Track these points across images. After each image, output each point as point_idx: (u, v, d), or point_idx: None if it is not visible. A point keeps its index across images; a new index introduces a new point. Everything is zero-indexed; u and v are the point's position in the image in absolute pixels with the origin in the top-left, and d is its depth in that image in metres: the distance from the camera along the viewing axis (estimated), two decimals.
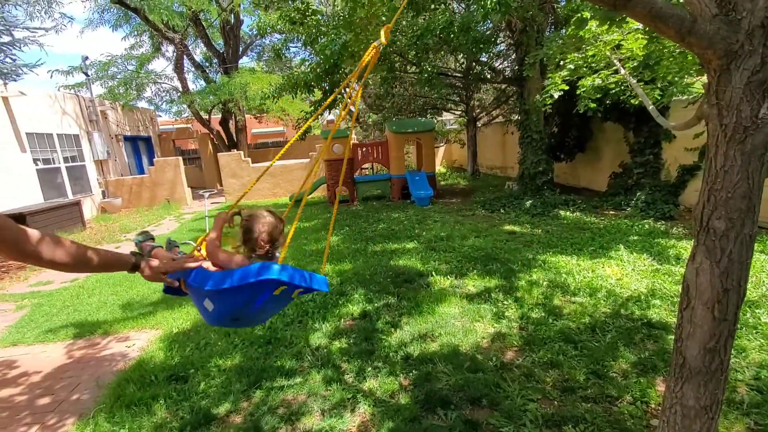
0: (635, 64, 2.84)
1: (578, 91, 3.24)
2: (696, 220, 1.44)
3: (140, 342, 3.63)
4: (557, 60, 3.65)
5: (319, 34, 7.85)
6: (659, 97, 2.99)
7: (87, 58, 12.86)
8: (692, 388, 1.51)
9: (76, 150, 11.24)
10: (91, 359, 3.43)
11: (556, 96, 3.49)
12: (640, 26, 2.79)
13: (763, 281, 3.73)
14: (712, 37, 1.26)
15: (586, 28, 2.39)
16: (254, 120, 19.10)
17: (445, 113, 15.78)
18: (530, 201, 7.72)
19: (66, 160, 10.73)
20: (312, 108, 9.54)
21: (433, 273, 4.57)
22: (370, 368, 2.83)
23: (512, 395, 2.40)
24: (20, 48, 5.99)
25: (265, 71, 16.79)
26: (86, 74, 12.70)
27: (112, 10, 13.71)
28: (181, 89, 14.84)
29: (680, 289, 1.53)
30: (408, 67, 9.45)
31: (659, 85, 3.05)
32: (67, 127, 11.05)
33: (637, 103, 3.24)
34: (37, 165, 9.66)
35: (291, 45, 13.04)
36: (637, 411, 2.22)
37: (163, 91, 15.58)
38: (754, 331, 2.91)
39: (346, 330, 3.45)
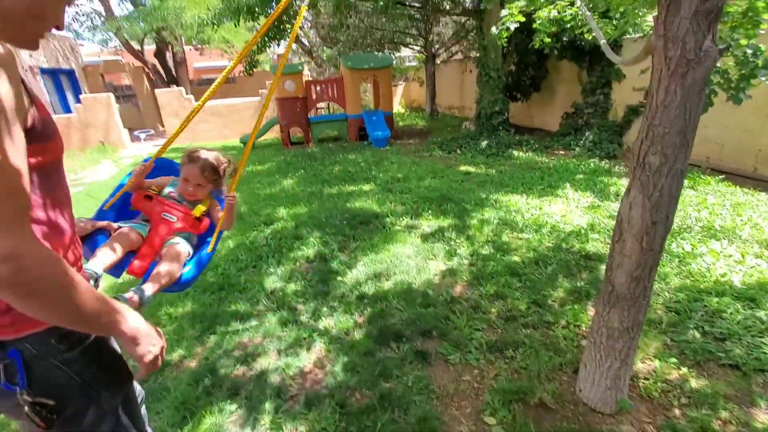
0: None
1: (534, 25, 3.14)
2: (634, 156, 1.47)
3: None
4: None
5: None
6: (612, 32, 2.96)
7: None
8: (618, 312, 1.65)
9: None
10: None
11: (512, 28, 3.36)
12: None
13: (689, 214, 4.07)
14: None
15: None
16: (195, 53, 17.35)
17: (403, 49, 15.09)
18: (486, 141, 7.79)
19: None
20: (259, 40, 8.74)
21: (389, 214, 4.59)
22: (325, 308, 2.88)
23: (460, 326, 2.55)
24: None
25: None
26: None
27: None
28: (104, 13, 13.00)
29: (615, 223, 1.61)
30: None
31: (613, 18, 3.00)
32: None
33: (591, 38, 3.20)
34: None
35: None
36: (570, 333, 2.44)
37: (82, 15, 13.58)
38: (677, 260, 3.21)
39: (302, 272, 3.45)
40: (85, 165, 9.40)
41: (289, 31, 9.01)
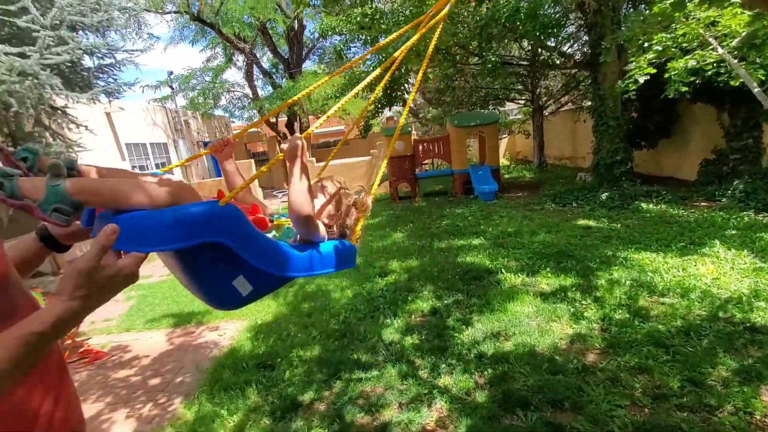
0: (735, 42, 2.54)
1: (667, 74, 2.97)
2: None
3: (229, 331, 4.00)
4: (640, 42, 3.37)
5: (380, 33, 7.95)
6: (763, 78, 2.65)
7: (171, 72, 14.22)
8: None
9: (165, 156, 12.51)
10: (189, 346, 3.85)
11: (641, 81, 3.22)
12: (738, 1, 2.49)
13: None
14: None
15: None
16: (316, 120, 19.84)
17: (508, 103, 15.21)
18: (606, 193, 7.21)
19: (156, 166, 11.98)
20: (373, 107, 9.72)
21: (503, 270, 4.47)
22: (444, 365, 2.87)
23: (597, 400, 2.30)
24: (120, 69, 6.79)
25: (326, 72, 17.35)
26: (171, 88, 14.04)
27: (191, 26, 14.99)
28: (251, 96, 15.85)
29: None
30: (469, 59, 9.23)
31: (761, 63, 2.70)
32: (157, 136, 12.33)
33: (737, 84, 2.90)
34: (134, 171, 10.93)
35: (351, 45, 13.30)
36: (740, 422, 2.03)
37: (236, 99, 16.77)
38: None
39: (417, 326, 3.51)
40: None
41: (398, 98, 9.89)
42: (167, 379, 3.31)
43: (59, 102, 6.15)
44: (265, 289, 1.08)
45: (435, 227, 7.00)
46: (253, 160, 13.95)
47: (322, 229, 1.17)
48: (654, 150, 8.95)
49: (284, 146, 1.12)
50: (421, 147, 10.45)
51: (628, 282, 3.78)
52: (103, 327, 4.57)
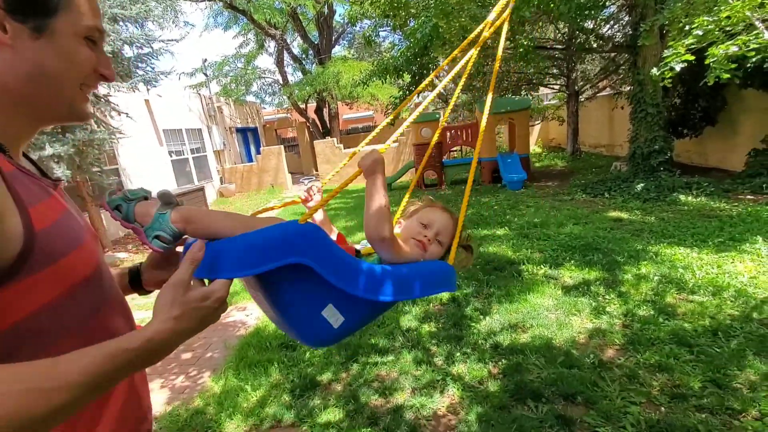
0: None
1: (707, 61, 2.80)
2: None
3: (256, 312, 4.19)
4: (681, 25, 3.18)
5: (409, 17, 7.83)
6: None
7: (206, 60, 14.60)
8: None
9: (200, 142, 12.96)
10: (219, 324, 4.06)
11: (678, 69, 3.02)
12: None
13: None
14: None
15: None
16: (345, 106, 19.89)
17: (542, 88, 14.66)
18: (642, 184, 6.90)
19: (192, 151, 12.45)
20: (401, 92, 9.64)
21: (525, 261, 4.42)
22: (458, 353, 2.91)
23: (611, 395, 2.28)
24: (157, 57, 7.06)
25: (355, 58, 17.30)
26: (205, 75, 14.44)
27: (223, 13, 15.29)
28: (281, 82, 16.06)
29: None
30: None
31: None
32: (193, 122, 12.76)
33: None
34: (171, 156, 11.39)
35: (380, 30, 13.18)
36: (764, 428, 1.96)
37: (267, 85, 17.07)
38: None
39: (435, 314, 3.56)
40: (259, 204, 11.45)
41: (430, 85, 9.75)
42: (198, 353, 3.53)
43: (102, 91, 6.50)
44: (359, 320, 0.97)
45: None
46: (282, 146, 14.23)
47: (411, 251, 1.07)
48: (698, 139, 8.45)
49: (362, 161, 1.01)
50: (449, 134, 10.33)
51: (656, 278, 3.66)
52: (141, 303, 4.89)
